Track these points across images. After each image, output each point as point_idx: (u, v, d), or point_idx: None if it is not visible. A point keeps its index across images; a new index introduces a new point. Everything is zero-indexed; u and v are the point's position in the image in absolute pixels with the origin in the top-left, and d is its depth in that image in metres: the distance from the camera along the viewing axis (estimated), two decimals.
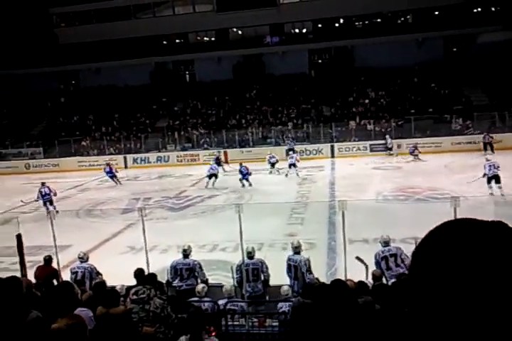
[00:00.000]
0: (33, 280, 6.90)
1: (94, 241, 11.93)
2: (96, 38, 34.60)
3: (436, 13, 32.41)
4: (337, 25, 34.61)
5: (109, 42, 35.04)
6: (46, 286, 6.58)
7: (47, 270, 7.82)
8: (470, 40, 31.94)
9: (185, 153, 28.07)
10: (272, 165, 21.67)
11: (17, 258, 8.56)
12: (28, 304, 3.96)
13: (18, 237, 8.51)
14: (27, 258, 8.57)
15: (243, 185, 18.69)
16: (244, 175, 18.76)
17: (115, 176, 21.31)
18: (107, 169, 21.27)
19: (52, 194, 15.76)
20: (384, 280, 6.96)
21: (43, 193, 15.65)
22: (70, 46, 35.58)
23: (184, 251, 7.88)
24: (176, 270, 7.72)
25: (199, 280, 7.69)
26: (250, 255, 7.65)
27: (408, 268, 0.88)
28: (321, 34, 33.96)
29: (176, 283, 7.65)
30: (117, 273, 7.64)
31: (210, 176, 18.97)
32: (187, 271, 7.70)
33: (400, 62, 30.26)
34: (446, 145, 24.80)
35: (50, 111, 34.56)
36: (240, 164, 19.37)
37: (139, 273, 6.30)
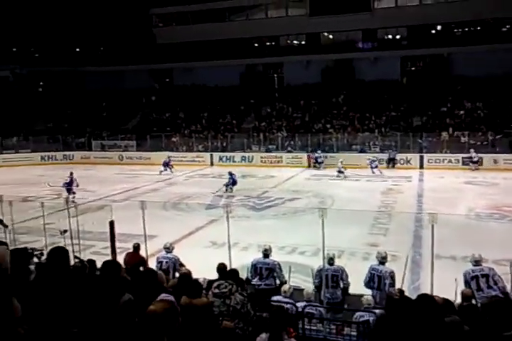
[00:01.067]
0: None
1: (179, 234, 12.34)
2: (191, 38, 35.97)
3: None
4: (433, 32, 33.26)
5: (203, 42, 36.28)
6: (134, 272, 6.89)
7: (135, 257, 8.17)
8: None
9: (269, 154, 28.32)
10: (340, 172, 21.82)
11: (108, 244, 9.04)
12: (122, 287, 4.14)
13: (111, 224, 8.99)
14: (117, 245, 9.01)
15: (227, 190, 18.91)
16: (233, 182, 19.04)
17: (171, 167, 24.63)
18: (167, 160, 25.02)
19: (74, 185, 17.47)
20: (473, 302, 6.54)
21: (66, 182, 17.50)
22: (166, 46, 37.30)
23: (265, 250, 7.90)
24: (255, 268, 7.76)
25: (278, 281, 7.68)
26: (331, 261, 7.52)
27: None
28: (415, 41, 32.80)
29: (255, 281, 7.69)
30: (199, 267, 7.82)
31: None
32: (267, 270, 7.72)
33: (500, 71, 28.34)
34: None
35: (144, 106, 36.39)
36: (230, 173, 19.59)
37: (222, 268, 6.39)
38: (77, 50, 41.45)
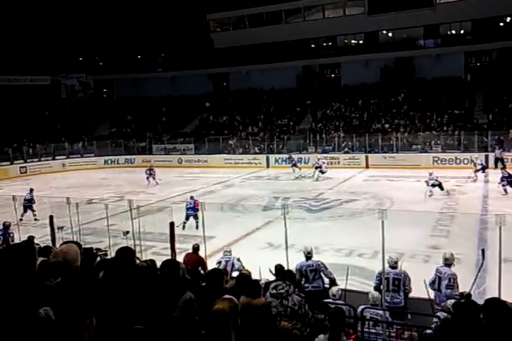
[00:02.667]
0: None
1: (236, 235, 12.51)
2: (248, 42, 36.31)
3: None
4: (501, 24, 31.70)
5: (260, 46, 36.53)
6: (194, 272, 7.06)
7: (194, 257, 8.37)
8: None
9: (325, 155, 28.06)
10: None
11: (167, 244, 9.30)
12: (183, 286, 4.25)
13: (171, 225, 9.25)
14: (176, 245, 9.24)
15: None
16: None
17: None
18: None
19: (33, 202, 16.03)
20: None
21: (26, 198, 15.83)
22: (223, 50, 37.87)
23: (308, 253, 7.86)
24: (301, 272, 7.74)
25: (326, 280, 7.61)
26: (394, 265, 7.34)
27: None
28: (480, 35, 31.42)
29: (302, 284, 7.67)
30: (256, 267, 7.89)
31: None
32: (312, 272, 7.68)
33: None
34: None
35: (202, 111, 37.13)
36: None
37: (279, 269, 6.42)
38: (139, 57, 43.04)
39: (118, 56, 41.38)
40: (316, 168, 22.86)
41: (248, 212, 16.02)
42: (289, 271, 6.61)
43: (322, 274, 7.70)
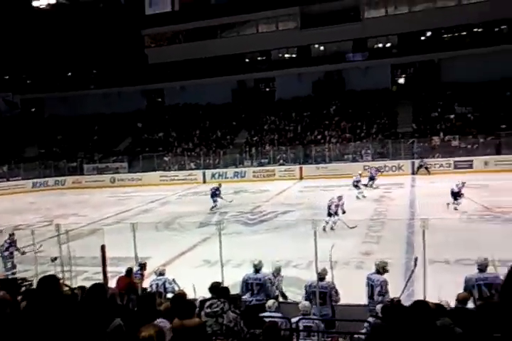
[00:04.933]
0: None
1: (172, 254, 12.31)
2: (183, 57, 36.26)
3: None
4: (423, 38, 33.67)
5: (195, 61, 36.61)
6: (127, 296, 6.87)
7: (126, 281, 8.15)
8: None
9: (261, 168, 28.40)
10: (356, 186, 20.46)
11: (100, 269, 9.00)
12: (112, 312, 4.14)
13: (102, 248, 8.97)
14: (109, 269, 8.98)
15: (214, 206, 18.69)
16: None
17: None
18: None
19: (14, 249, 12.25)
20: (470, 305, 6.48)
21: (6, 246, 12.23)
22: (158, 65, 37.59)
23: (255, 266, 7.89)
24: (246, 284, 7.74)
25: (273, 294, 7.65)
26: (321, 276, 7.48)
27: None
28: (405, 48, 33.14)
29: (246, 297, 7.66)
30: (192, 286, 7.80)
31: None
32: (257, 285, 7.68)
33: (490, 75, 28.61)
34: None
35: (136, 128, 36.52)
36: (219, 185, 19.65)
37: (213, 287, 6.39)
38: (70, 74, 41.80)
39: (47, 73, 39.96)
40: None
41: (184, 229, 15.83)
42: (224, 288, 6.58)
43: (268, 289, 7.71)
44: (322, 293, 7.24)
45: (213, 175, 28.90)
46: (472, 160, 24.28)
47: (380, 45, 34.90)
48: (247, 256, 11.16)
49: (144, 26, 36.84)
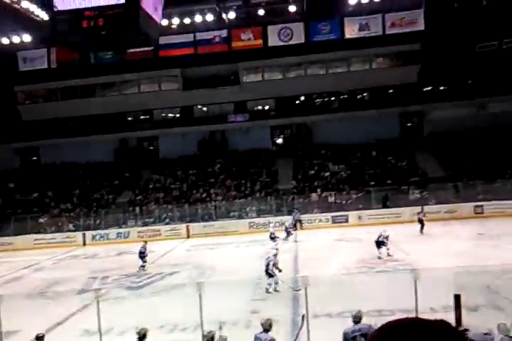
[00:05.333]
0: None
1: (46, 325, 11.18)
2: (60, 114, 34.94)
3: (391, 91, 34.73)
4: (297, 102, 36.36)
5: (73, 119, 35.45)
6: None
7: None
8: (422, 116, 34.02)
9: (146, 228, 27.56)
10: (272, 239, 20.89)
11: None
12: None
13: None
14: None
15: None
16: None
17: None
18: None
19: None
20: None
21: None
22: (33, 123, 35.69)
23: (137, 333, 7.49)
24: None
25: None
26: (210, 339, 7.29)
27: None
28: (282, 111, 35.43)
29: None
30: None
31: None
32: None
33: (358, 137, 31.57)
34: (405, 216, 25.34)
35: (7, 188, 33.76)
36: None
37: None
38: None
39: None
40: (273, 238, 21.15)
41: (61, 297, 14.57)
42: None
43: None
44: None
45: (94, 237, 27.31)
46: (347, 215, 25.97)
47: (260, 108, 36.97)
48: (132, 322, 10.57)
49: (17, 83, 35.23)
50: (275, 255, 13.84)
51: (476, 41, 31.71)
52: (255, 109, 36.75)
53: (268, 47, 29.59)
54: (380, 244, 16.96)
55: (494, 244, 17.16)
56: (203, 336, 7.41)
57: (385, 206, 26.70)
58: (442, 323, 0.86)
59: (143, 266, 17.88)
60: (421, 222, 21.78)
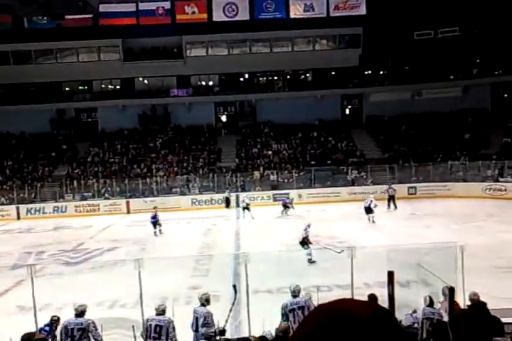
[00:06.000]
0: None
1: None
2: None
3: (333, 73, 35.29)
4: (242, 79, 36.16)
5: (6, 86, 33.44)
6: None
7: None
8: (362, 99, 34.89)
9: (84, 202, 26.82)
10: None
11: None
12: None
13: None
14: None
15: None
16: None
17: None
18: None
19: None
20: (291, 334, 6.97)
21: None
22: None
23: (76, 309, 7.37)
24: (67, 330, 7.15)
25: (100, 339, 7.23)
26: (161, 312, 7.34)
27: None
28: (226, 87, 35.16)
29: None
30: (5, 337, 6.96)
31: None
32: (79, 330, 7.15)
33: (301, 117, 32.03)
34: (343, 195, 26.23)
35: None
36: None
37: (26, 339, 5.78)
38: None
39: None
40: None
41: None
42: (39, 340, 5.97)
43: (90, 335, 7.19)
44: (158, 327, 7.11)
45: (29, 211, 26.28)
46: (288, 193, 26.48)
47: (203, 83, 36.46)
48: (70, 298, 10.37)
49: None
50: (309, 225, 14.58)
51: (413, 29, 32.70)
52: (199, 84, 36.26)
53: (213, 21, 29.15)
54: (368, 210, 18.80)
55: (425, 224, 18.17)
56: (199, 298, 7.45)
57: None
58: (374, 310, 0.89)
59: (156, 232, 18.98)
60: (392, 197, 22.94)
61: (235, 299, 7.66)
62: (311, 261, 13.61)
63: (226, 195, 26.12)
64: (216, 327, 7.23)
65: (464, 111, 31.74)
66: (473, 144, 29.31)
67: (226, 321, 7.18)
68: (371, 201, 19.25)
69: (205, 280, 12.35)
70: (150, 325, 7.16)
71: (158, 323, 7.17)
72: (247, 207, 22.41)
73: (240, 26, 30.43)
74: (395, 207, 22.62)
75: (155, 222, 19.02)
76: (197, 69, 33.77)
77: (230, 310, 7.37)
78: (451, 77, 33.39)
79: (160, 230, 19.15)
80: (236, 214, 23.55)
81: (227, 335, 7.21)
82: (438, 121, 31.32)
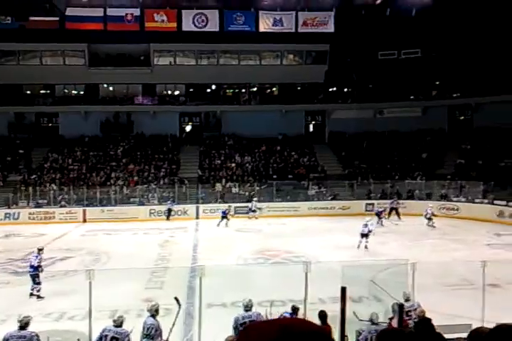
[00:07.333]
0: None
1: None
2: None
3: (299, 88, 35.81)
4: (208, 90, 36.19)
5: None
6: None
7: None
8: (326, 115, 35.46)
9: (39, 210, 25.97)
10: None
11: None
12: None
13: None
14: None
15: None
16: None
17: None
18: None
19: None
20: None
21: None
22: None
23: (19, 321, 7.10)
24: None
25: None
26: (119, 323, 7.17)
27: None
28: (192, 98, 35.05)
29: None
30: None
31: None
32: None
33: (265, 130, 32.23)
34: (303, 210, 26.43)
35: None
36: None
37: None
38: None
39: None
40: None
41: None
42: None
43: None
44: (114, 339, 6.93)
45: None
46: (248, 206, 26.39)
47: (169, 92, 36.26)
48: (17, 310, 9.97)
49: None
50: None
51: (378, 48, 33.70)
52: (164, 93, 36.03)
53: (182, 31, 29.13)
54: (364, 235, 17.88)
55: (381, 241, 18.50)
56: (149, 309, 7.36)
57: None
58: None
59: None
60: (396, 210, 24.01)
61: (178, 312, 7.58)
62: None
63: (168, 206, 25.69)
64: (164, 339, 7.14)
65: (423, 131, 32.71)
66: (430, 164, 30.22)
67: (169, 334, 7.11)
68: (367, 225, 17.92)
69: (160, 292, 12.12)
70: (106, 336, 7.01)
71: (115, 335, 7.02)
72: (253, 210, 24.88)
73: (208, 37, 30.54)
74: (399, 217, 24.01)
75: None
76: (163, 78, 33.57)
77: (173, 324, 7.27)
78: (412, 97, 34.45)
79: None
80: (195, 227, 23.33)
81: None
82: (398, 140, 32.17)
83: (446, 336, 6.97)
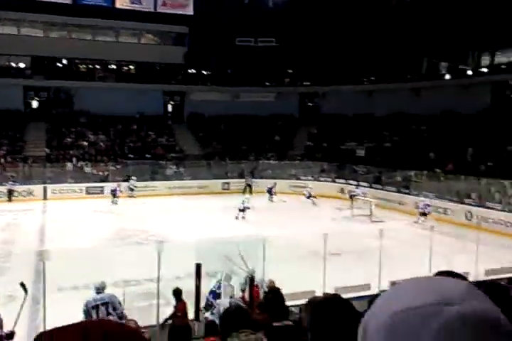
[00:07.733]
0: None
1: None
2: None
3: (157, 68, 35.05)
4: (59, 65, 33.62)
5: None
6: None
7: None
8: (184, 96, 35.27)
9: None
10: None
11: None
12: None
13: None
14: None
15: None
16: None
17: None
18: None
19: None
20: None
21: None
22: None
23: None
24: None
25: None
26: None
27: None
28: (39, 71, 32.18)
29: None
30: None
31: None
32: None
33: (121, 109, 30.86)
34: (161, 189, 26.26)
35: None
36: None
37: None
38: None
39: None
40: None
41: None
42: None
43: None
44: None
45: None
46: (103, 186, 25.38)
47: (13, 64, 32.89)
48: None
49: None
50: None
51: (236, 35, 34.41)
52: (7, 64, 32.56)
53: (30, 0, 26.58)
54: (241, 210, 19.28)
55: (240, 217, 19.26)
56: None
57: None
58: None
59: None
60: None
61: (24, 298, 7.09)
62: None
63: (8, 186, 23.66)
64: (6, 330, 6.63)
65: (276, 115, 34.50)
66: (282, 145, 32.12)
67: (15, 323, 6.62)
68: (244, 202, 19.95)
69: (2, 278, 11.18)
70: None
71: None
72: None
73: (60, 9, 28.33)
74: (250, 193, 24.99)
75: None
76: (6, 48, 30.11)
77: (20, 311, 6.81)
78: (267, 83, 35.98)
79: None
80: (43, 208, 21.75)
81: (19, 338, 6.63)
82: (253, 123, 33.48)
83: (293, 303, 7.66)
